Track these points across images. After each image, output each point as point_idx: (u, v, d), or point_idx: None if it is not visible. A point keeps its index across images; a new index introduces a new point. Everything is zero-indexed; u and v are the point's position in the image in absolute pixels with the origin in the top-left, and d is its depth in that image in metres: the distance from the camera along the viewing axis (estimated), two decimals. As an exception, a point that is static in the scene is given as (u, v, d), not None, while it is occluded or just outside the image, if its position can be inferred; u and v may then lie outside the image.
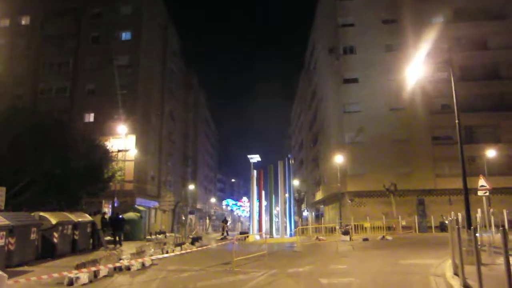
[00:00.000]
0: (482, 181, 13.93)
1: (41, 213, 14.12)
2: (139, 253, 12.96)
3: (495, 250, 10.74)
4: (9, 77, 36.13)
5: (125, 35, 39.27)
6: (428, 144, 34.69)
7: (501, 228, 5.51)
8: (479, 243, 9.19)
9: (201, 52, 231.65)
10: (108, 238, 20.31)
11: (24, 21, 40.63)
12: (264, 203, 34.29)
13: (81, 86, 37.81)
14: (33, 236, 12.66)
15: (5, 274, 6.51)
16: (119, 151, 28.32)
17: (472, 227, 7.39)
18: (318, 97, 45.43)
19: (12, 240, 11.30)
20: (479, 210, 14.32)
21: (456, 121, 12.42)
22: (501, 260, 6.18)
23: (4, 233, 10.95)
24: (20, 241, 11.77)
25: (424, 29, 34.30)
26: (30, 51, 38.62)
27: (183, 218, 47.88)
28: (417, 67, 13.76)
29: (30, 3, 40.12)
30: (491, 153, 30.40)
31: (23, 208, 17.05)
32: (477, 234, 9.32)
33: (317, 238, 24.05)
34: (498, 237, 12.32)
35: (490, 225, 14.56)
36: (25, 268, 11.52)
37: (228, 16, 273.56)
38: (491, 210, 15.27)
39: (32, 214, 13.93)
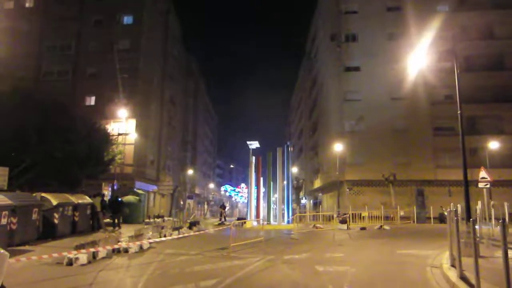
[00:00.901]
0: (483, 173, 13.87)
1: (43, 194, 14.22)
2: (137, 236, 13.06)
3: (493, 243, 10.79)
4: (12, 59, 35.78)
5: (127, 19, 38.86)
6: (429, 134, 34.65)
7: (500, 221, 5.50)
8: (478, 236, 9.24)
9: (201, 38, 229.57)
10: (107, 220, 20.44)
11: (28, 3, 40.17)
12: (262, 189, 34.40)
13: (82, 69, 37.59)
14: (34, 216, 12.76)
15: (6, 253, 6.51)
16: (119, 134, 28.31)
17: (471, 219, 7.39)
18: (319, 85, 45.17)
19: (14, 220, 11.41)
20: (479, 202, 14.32)
21: (458, 112, 12.30)
22: (499, 253, 6.19)
23: (7, 212, 11.03)
24: (22, 220, 11.89)
25: (429, 18, 33.72)
26: (33, 34, 38.19)
27: (182, 202, 48.21)
28: (420, 56, 13.59)
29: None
30: (493, 144, 30.16)
31: (25, 189, 17.11)
32: (476, 226, 9.34)
33: (314, 226, 24.18)
34: (497, 230, 12.39)
35: (490, 218, 14.59)
36: (26, 247, 11.65)
37: (230, 3, 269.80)
38: (492, 202, 15.27)
39: (34, 194, 14.02)
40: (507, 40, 34.88)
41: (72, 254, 8.70)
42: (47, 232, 13.77)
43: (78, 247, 9.39)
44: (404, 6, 36.27)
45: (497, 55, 35.33)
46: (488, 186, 13.94)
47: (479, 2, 35.74)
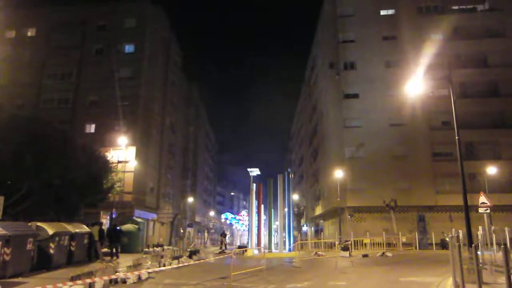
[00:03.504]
0: (483, 198, 13.80)
1: (38, 223, 13.95)
2: (136, 266, 12.83)
3: (496, 269, 10.58)
4: (13, 87, 36.44)
5: (128, 48, 39.68)
6: (428, 160, 34.65)
7: (502, 246, 5.43)
8: (480, 262, 9.07)
9: (202, 65, 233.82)
10: (105, 249, 20.08)
11: (30, 32, 41.20)
12: (263, 217, 34.08)
13: (83, 97, 38.02)
14: (29, 246, 12.51)
15: (-2, 285, 6.41)
16: (119, 162, 28.28)
17: (473, 245, 7.28)
18: (318, 112, 45.57)
19: (8, 250, 11.15)
20: (480, 228, 14.17)
21: (456, 138, 12.41)
22: (503, 279, 6.08)
23: (0, 242, 10.82)
24: (16, 251, 11.61)
25: (424, 46, 34.81)
26: (34, 62, 38.99)
27: (182, 231, 47.49)
28: (417, 83, 13.83)
29: (36, 15, 40.79)
30: (491, 170, 30.30)
31: (21, 218, 16.90)
32: (479, 252, 9.20)
33: (316, 253, 23.80)
34: (499, 255, 12.16)
35: (491, 243, 14.38)
36: (20, 279, 11.32)
37: (231, 31, 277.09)
38: (493, 227, 15.09)
39: (30, 224, 13.77)
40: (501, 67, 35.56)
41: (66, 286, 8.49)
42: (42, 262, 13.44)
43: (73, 278, 9.20)
44: (399, 35, 37.29)
45: (491, 82, 35.89)
46: (488, 211, 13.82)
47: (472, 31, 36.69)
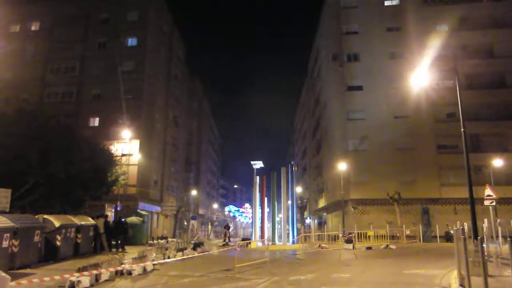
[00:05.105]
0: (488, 191, 13.76)
1: (45, 216, 14.13)
2: (141, 258, 12.92)
3: (502, 262, 10.56)
4: (17, 81, 36.46)
5: (131, 41, 39.55)
6: (433, 152, 34.51)
7: (508, 239, 5.41)
8: (486, 254, 9.07)
9: (205, 59, 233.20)
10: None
11: (34, 27, 41.15)
12: (266, 209, 34.16)
13: (87, 91, 38.04)
14: (36, 238, 12.66)
15: (8, 276, 6.49)
16: (123, 155, 28.38)
17: (479, 237, 7.27)
18: (322, 104, 45.41)
19: (16, 242, 11.30)
20: (485, 220, 14.14)
21: (462, 130, 12.35)
22: (509, 272, 6.07)
23: (9, 235, 10.95)
24: (24, 243, 11.77)
25: (429, 37, 34.48)
26: (38, 56, 39.03)
27: (185, 223, 47.83)
28: (422, 74, 13.70)
29: (40, 9, 40.75)
30: (497, 162, 30.12)
31: (28, 211, 17.07)
32: (484, 245, 9.19)
33: (319, 246, 23.88)
34: (505, 248, 12.15)
35: (497, 236, 14.37)
36: (28, 270, 11.49)
37: (233, 25, 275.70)
38: (498, 220, 15.07)
39: (36, 216, 13.94)
40: (507, 58, 35.15)
41: (74, 277, 8.60)
42: (49, 254, 13.64)
43: (80, 270, 9.28)
44: (404, 26, 36.92)
45: (498, 73, 35.53)
46: (493, 203, 13.79)
47: (478, 22, 36.26)
